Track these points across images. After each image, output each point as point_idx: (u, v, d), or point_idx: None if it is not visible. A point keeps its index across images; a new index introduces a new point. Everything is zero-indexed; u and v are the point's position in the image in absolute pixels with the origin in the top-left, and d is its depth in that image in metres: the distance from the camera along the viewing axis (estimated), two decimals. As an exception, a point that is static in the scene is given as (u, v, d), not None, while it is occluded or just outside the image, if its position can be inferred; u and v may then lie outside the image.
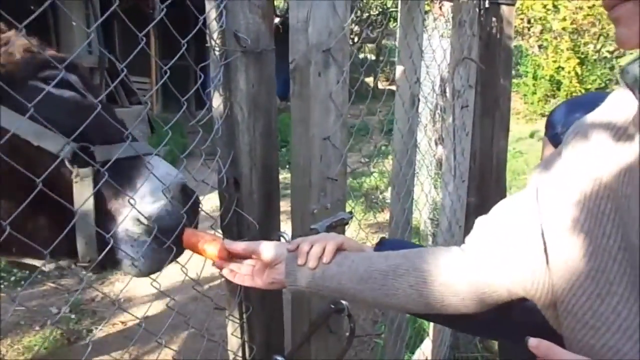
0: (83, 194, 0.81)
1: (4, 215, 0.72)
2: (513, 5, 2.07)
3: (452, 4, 1.86)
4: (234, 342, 1.08)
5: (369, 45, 19.94)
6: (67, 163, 0.80)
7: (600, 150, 0.64)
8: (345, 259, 0.85)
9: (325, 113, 1.08)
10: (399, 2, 1.49)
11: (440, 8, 2.52)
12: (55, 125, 0.79)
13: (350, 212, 1.20)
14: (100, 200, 0.84)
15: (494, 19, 2.00)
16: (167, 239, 0.86)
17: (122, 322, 2.92)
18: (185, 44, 0.89)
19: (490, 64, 2.03)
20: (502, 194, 2.28)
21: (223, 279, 1.08)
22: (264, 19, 0.94)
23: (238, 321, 1.04)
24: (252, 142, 0.97)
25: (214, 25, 0.89)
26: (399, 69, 1.47)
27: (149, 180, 0.87)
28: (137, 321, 2.90)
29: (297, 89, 1.05)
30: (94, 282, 3.38)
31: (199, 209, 0.96)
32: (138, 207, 0.83)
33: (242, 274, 0.91)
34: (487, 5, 1.92)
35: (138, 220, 0.85)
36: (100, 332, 2.83)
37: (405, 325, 1.79)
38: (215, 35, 0.90)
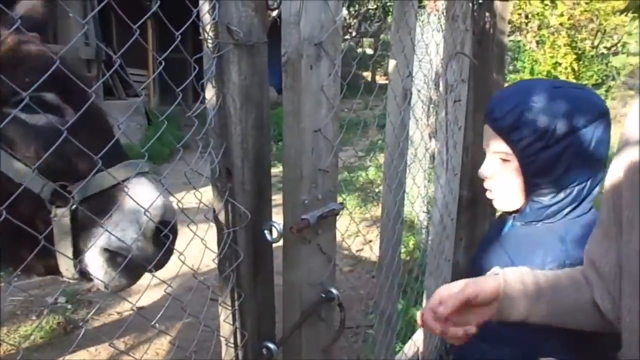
0: (62, 230, 0.87)
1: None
2: (507, 0, 2.09)
3: (445, -2, 1.87)
4: (226, 328, 1.10)
5: (368, 39, 19.91)
6: (46, 204, 0.86)
7: None
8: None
9: (317, 106, 1.10)
10: (393, -4, 1.51)
11: (435, 2, 2.54)
12: (33, 160, 0.84)
13: (341, 203, 1.22)
14: (77, 232, 0.89)
15: (487, 14, 2.01)
16: (130, 269, 0.91)
17: (118, 313, 2.95)
18: (179, 36, 0.91)
19: (484, 59, 2.05)
20: (494, 188, 2.31)
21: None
22: (256, 12, 0.96)
23: (230, 308, 1.07)
24: (244, 134, 0.99)
25: (206, 18, 0.91)
26: (392, 63, 1.49)
27: (121, 212, 0.91)
28: (132, 312, 2.93)
29: (289, 81, 1.07)
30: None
31: (173, 247, 0.96)
32: (106, 239, 0.89)
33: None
34: (480, 1, 1.94)
35: (105, 249, 0.90)
36: (96, 322, 2.86)
37: (396, 317, 1.82)
38: (208, 28, 0.91)
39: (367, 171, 6.09)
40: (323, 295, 1.22)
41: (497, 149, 1.19)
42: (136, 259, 0.90)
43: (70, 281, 0.97)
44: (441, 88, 1.87)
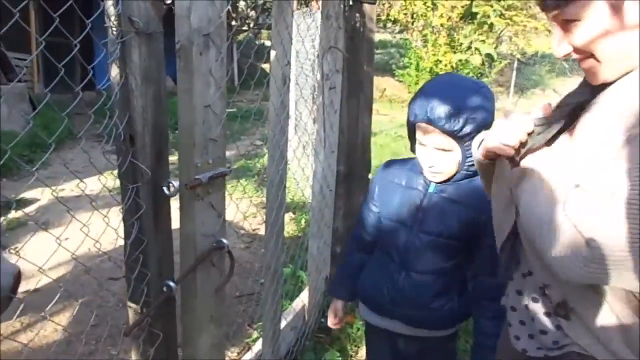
0: None
1: None
2: (374, 3, 2.46)
3: None
4: (133, 269, 1.31)
5: (266, 31, 20.02)
6: None
7: None
8: None
9: (206, 86, 1.34)
10: (274, -4, 1.78)
11: (317, 2, 2.86)
12: None
13: (229, 167, 1.48)
14: None
15: (357, 15, 2.36)
16: None
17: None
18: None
19: (355, 53, 2.40)
20: (367, 165, 2.69)
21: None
22: (153, 5, 1.18)
23: (135, 252, 1.28)
24: (144, 105, 1.21)
25: (111, 10, 1.12)
26: (272, 53, 1.77)
27: None
28: (28, 292, 2.93)
29: (182, 64, 1.30)
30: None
31: None
32: None
33: None
34: (350, 3, 2.28)
35: None
36: (-13, 306, 2.83)
37: (281, 270, 2.11)
38: (112, 18, 1.12)
39: (263, 158, 6.35)
40: (214, 245, 1.48)
41: (442, 145, 1.39)
42: None
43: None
44: (318, 77, 2.19)
